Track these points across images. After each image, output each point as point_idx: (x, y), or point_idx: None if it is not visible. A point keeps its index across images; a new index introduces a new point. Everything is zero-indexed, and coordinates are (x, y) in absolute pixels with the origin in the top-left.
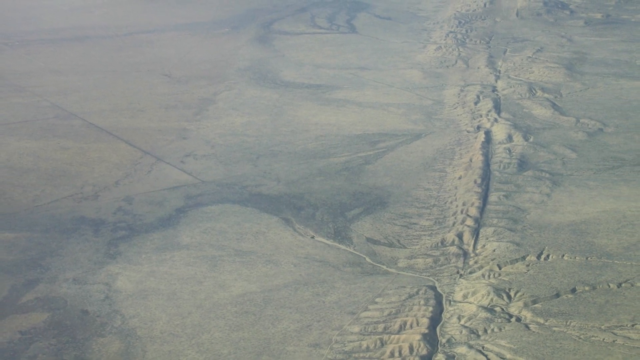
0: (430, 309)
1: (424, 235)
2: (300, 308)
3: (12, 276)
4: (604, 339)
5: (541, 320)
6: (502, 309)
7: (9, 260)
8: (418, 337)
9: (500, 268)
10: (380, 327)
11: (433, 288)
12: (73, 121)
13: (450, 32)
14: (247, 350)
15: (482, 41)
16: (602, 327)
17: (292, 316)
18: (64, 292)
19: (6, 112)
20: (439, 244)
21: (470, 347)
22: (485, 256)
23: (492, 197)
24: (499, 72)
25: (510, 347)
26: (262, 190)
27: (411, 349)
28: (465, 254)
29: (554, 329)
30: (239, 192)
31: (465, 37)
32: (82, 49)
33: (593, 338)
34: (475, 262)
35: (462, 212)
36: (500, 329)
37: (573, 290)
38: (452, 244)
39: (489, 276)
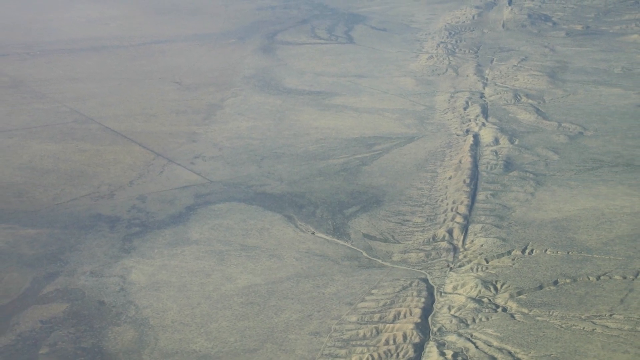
0: (423, 299)
1: (417, 231)
2: (301, 299)
3: (33, 269)
4: (584, 328)
5: (526, 311)
6: (489, 300)
7: (31, 255)
8: (411, 326)
9: (487, 262)
10: (376, 316)
11: (425, 280)
12: (90, 125)
13: (441, 42)
14: (252, 338)
15: (470, 51)
16: (582, 316)
17: (294, 306)
18: (82, 284)
19: (28, 117)
20: (431, 240)
21: (460, 335)
22: (474, 251)
23: (480, 196)
24: (487, 79)
25: (497, 335)
26: (266, 189)
27: (405, 337)
28: (455, 249)
29: (538, 318)
30: (244, 191)
31: (455, 47)
32: (99, 58)
33: (574, 327)
34: (464, 257)
35: (452, 209)
36: (487, 319)
37: (555, 283)
38: (443, 239)
39: (477, 269)
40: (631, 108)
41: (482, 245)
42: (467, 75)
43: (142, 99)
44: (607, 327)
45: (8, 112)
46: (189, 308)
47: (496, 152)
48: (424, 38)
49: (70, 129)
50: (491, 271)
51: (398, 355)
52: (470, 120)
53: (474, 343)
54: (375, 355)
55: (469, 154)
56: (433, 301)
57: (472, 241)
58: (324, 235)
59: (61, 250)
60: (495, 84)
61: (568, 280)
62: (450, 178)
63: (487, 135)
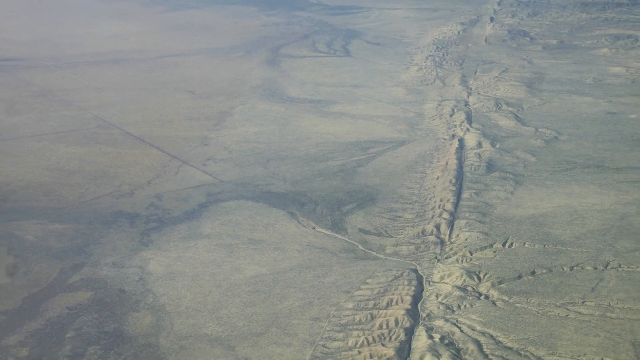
0: (413, 288)
1: (408, 226)
2: (303, 288)
3: (60, 261)
4: (558, 314)
5: (506, 298)
6: (473, 289)
7: (58, 248)
8: (402, 312)
9: (471, 254)
10: (371, 303)
11: (415, 271)
12: (112, 130)
13: (430, 55)
14: (258, 323)
15: (456, 63)
16: (557, 303)
17: (296, 294)
18: (104, 274)
19: (56, 123)
20: (420, 234)
21: (446, 320)
22: (459, 244)
23: (465, 195)
24: (471, 89)
25: (480, 320)
26: (271, 188)
27: (397, 322)
28: (442, 242)
29: (517, 305)
30: (251, 190)
31: (442, 59)
32: (120, 70)
33: (549, 313)
34: (451, 249)
35: (439, 207)
36: (471, 305)
37: (533, 273)
38: (431, 233)
39: (462, 261)
40: (601, 115)
41: (466, 239)
42: (453, 85)
43: (159, 107)
44: (579, 313)
45: (38, 118)
46: (202, 296)
47: (479, 155)
48: (414, 51)
49: (94, 133)
50: (475, 262)
51: (391, 338)
52: (455, 126)
53: (459, 327)
54: (370, 338)
55: (455, 157)
56: (422, 290)
57: (458, 235)
58: (323, 230)
59: (86, 243)
60: (479, 93)
61: (544, 271)
62: (437, 178)
63: (471, 139)
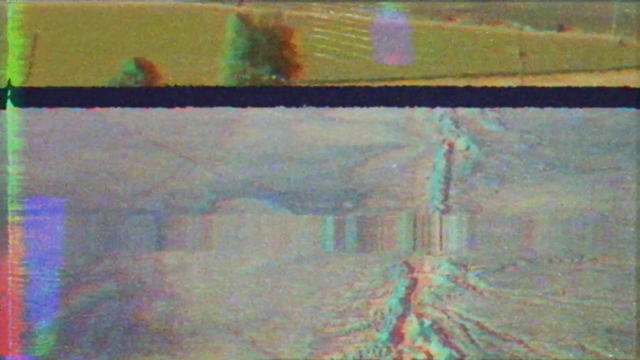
0: (405, 279)
1: (401, 222)
2: (305, 278)
3: (84, 254)
4: (539, 303)
5: (491, 288)
6: (461, 279)
7: (82, 242)
8: (395, 300)
9: (459, 248)
10: (367, 292)
11: (407, 262)
12: (132, 136)
13: None
14: (264, 311)
15: None
16: (539, 293)
17: (298, 285)
18: (124, 266)
19: (80, 129)
20: (412, 229)
21: (436, 308)
22: (448, 238)
23: (453, 193)
24: None
25: (467, 308)
26: (276, 187)
27: (390, 309)
28: (433, 237)
29: (501, 294)
30: (258, 189)
31: None
32: None
33: (531, 302)
34: (440, 243)
35: (430, 204)
36: (459, 295)
37: (516, 265)
38: (423, 229)
39: (450, 254)
40: (579, 121)
41: (455, 234)
42: None
43: (173, 113)
44: (559, 302)
45: (64, 124)
46: (212, 286)
47: (467, 157)
48: None
49: (115, 139)
50: (462, 255)
51: (385, 324)
52: (446, 131)
53: (448, 315)
54: (366, 324)
55: (445, 158)
56: (414, 280)
57: (447, 230)
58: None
59: (107, 238)
60: None
61: (526, 263)
62: (428, 178)
63: (459, 143)
